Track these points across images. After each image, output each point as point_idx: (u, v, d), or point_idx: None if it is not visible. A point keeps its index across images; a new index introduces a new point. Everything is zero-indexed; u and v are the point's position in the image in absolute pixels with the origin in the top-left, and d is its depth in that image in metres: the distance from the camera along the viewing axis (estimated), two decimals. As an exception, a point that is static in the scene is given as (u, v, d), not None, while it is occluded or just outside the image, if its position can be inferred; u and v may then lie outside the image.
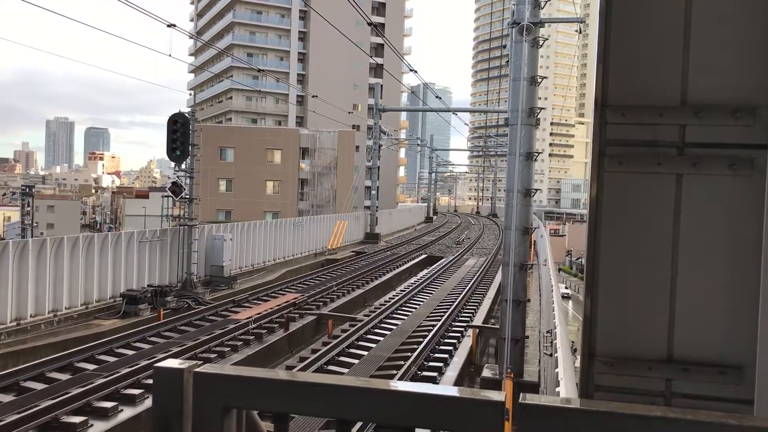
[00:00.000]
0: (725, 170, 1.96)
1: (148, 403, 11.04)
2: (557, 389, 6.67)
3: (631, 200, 2.04)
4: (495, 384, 12.99)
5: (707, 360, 1.98)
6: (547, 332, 12.34)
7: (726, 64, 1.97)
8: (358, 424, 7.82)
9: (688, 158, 1.99)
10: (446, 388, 1.72)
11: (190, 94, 74.36)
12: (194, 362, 1.59)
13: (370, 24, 22.18)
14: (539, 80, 13.47)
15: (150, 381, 11.76)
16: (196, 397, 1.52)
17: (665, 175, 2.01)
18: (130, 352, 14.22)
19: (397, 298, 21.18)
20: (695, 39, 1.99)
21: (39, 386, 11.51)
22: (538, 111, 13.55)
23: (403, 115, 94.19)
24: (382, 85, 47.90)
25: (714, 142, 1.98)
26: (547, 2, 13.66)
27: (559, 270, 63.38)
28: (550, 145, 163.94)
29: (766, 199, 1.89)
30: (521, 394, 1.37)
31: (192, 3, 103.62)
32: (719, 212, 1.98)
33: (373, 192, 44.42)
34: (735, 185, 1.96)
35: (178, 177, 22.15)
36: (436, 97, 37.66)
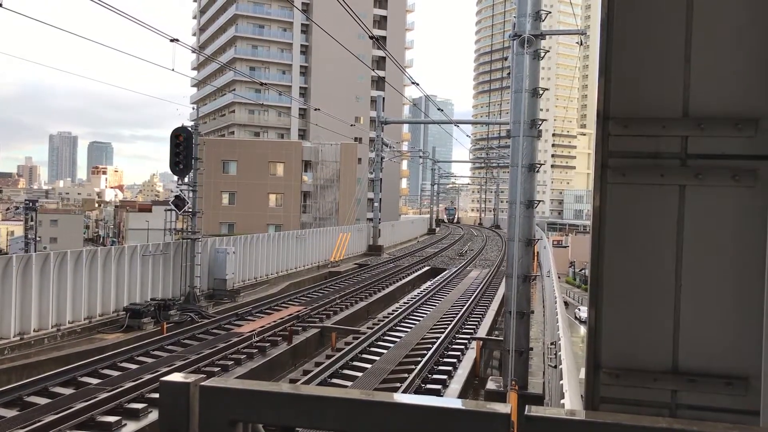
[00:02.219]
0: (728, 181, 1.97)
1: (152, 417, 11.01)
2: (562, 401, 6.65)
3: (635, 212, 2.05)
4: (499, 396, 12.93)
5: (713, 371, 1.98)
6: (552, 344, 12.30)
7: (727, 75, 1.98)
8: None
9: (691, 170, 2.00)
10: (452, 400, 1.73)
11: (193, 108, 74.70)
12: (200, 376, 1.60)
13: (371, 37, 22.28)
14: (541, 92, 13.50)
15: (154, 395, 11.74)
16: (202, 411, 1.53)
17: (668, 187, 2.02)
18: (133, 366, 14.19)
19: (400, 310, 21.14)
20: (696, 51, 2.00)
21: (42, 401, 11.48)
22: (540, 122, 13.58)
23: (405, 127, 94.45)
24: (384, 98, 48.06)
25: (716, 153, 1.99)
26: (547, 15, 13.71)
27: (558, 277, 63.09)
28: (552, 156, 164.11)
29: None
30: (527, 406, 1.37)
31: (194, 18, 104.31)
32: (722, 223, 1.99)
33: (376, 204, 44.45)
34: (738, 196, 1.96)
35: (181, 190, 22.20)
36: (438, 109, 37.76)
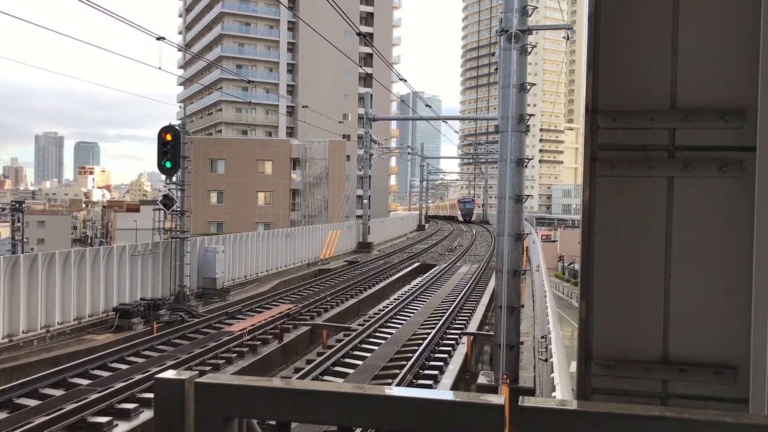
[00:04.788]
0: (715, 172, 1.99)
1: (144, 417, 10.98)
2: (553, 394, 6.68)
3: (624, 204, 2.06)
4: (491, 390, 12.98)
5: (702, 360, 2.00)
6: (542, 338, 12.36)
7: (714, 67, 2.00)
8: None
9: (679, 161, 2.02)
10: (446, 393, 1.74)
11: (180, 107, 74.33)
12: (195, 373, 1.60)
13: (358, 34, 22.20)
14: (528, 87, 13.54)
15: (145, 395, 11.71)
16: (197, 408, 1.53)
17: (657, 179, 2.03)
18: (124, 366, 14.13)
19: (391, 306, 21.15)
20: (683, 44, 2.02)
21: (33, 403, 11.42)
22: (528, 117, 13.61)
23: (394, 123, 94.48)
24: (371, 95, 48.00)
25: (704, 145, 2.00)
26: (534, 10, 13.75)
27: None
28: (540, 151, 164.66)
29: (756, 200, 1.92)
30: (521, 397, 1.38)
31: (180, 16, 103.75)
32: (711, 214, 2.00)
33: (365, 201, 44.40)
34: (725, 187, 1.98)
35: (169, 190, 22.10)
36: (426, 105, 37.75)
